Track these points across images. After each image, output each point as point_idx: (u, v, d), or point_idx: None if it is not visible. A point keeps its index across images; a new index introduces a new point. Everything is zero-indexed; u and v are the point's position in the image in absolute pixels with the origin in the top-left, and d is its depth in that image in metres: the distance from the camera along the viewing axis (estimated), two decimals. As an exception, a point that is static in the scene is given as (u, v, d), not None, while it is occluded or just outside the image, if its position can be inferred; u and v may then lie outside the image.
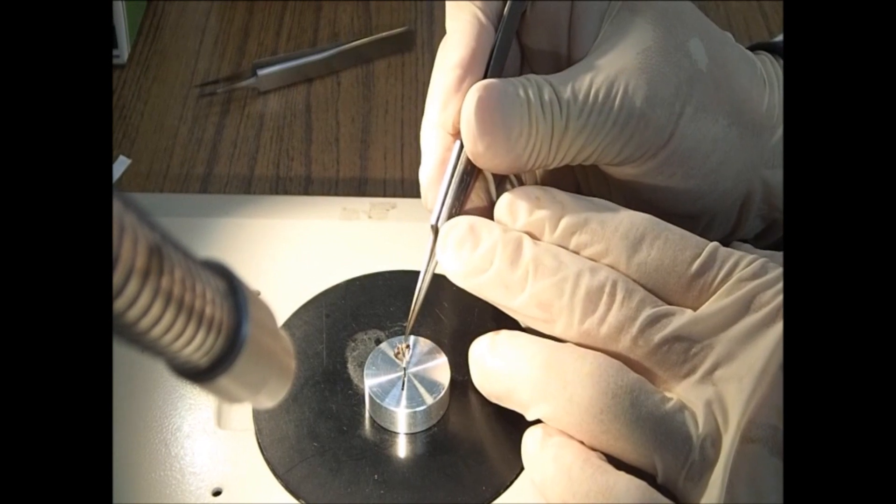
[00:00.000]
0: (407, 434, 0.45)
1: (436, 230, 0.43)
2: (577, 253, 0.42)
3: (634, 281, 0.41)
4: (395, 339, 0.47)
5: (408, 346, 0.46)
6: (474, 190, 0.45)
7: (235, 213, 0.55)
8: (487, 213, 0.44)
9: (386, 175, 0.65)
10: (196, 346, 0.27)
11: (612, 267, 0.41)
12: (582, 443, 0.40)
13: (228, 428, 0.45)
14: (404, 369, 0.46)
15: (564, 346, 0.41)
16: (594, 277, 0.40)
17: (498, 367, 0.42)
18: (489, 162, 0.42)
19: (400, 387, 0.45)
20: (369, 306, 0.50)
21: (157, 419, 0.45)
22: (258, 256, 0.52)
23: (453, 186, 0.44)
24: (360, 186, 0.64)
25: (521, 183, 0.50)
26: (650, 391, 0.39)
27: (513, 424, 0.44)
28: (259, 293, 0.50)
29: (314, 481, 0.43)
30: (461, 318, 0.50)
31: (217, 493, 0.43)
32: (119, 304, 0.24)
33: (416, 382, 0.45)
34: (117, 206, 0.23)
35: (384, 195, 0.64)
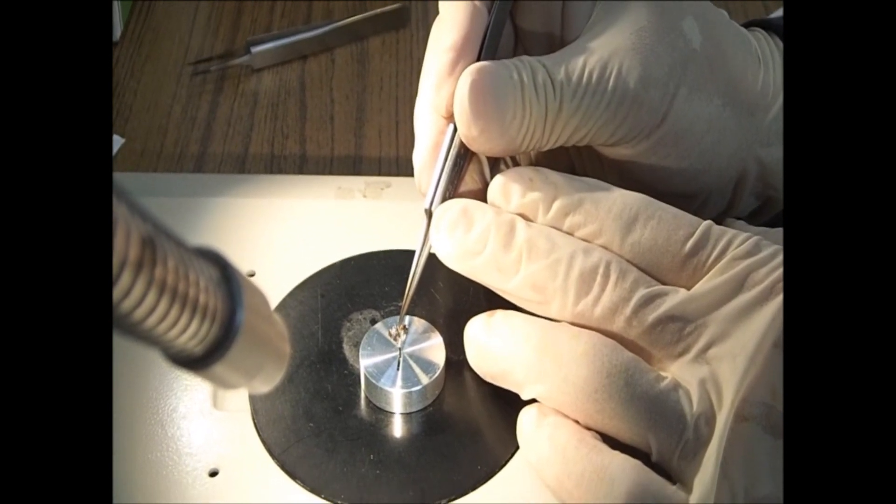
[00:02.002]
0: (402, 414, 0.45)
1: (429, 214, 0.43)
2: (570, 234, 0.42)
3: (628, 261, 0.41)
4: (391, 320, 0.47)
5: (403, 327, 0.46)
6: (468, 172, 0.45)
7: (230, 193, 0.55)
8: (481, 195, 0.44)
9: (381, 153, 0.65)
10: (191, 334, 0.27)
11: (605, 247, 0.41)
12: (577, 422, 0.40)
13: (224, 409, 0.45)
14: (399, 349, 0.46)
15: (559, 326, 0.41)
16: (588, 258, 0.40)
17: (493, 346, 0.42)
18: (483, 145, 0.42)
19: (395, 367, 0.45)
20: (364, 286, 0.50)
21: (153, 400, 0.45)
22: (253, 236, 0.52)
23: (447, 170, 0.44)
24: (355, 165, 0.64)
25: (516, 164, 0.50)
26: (644, 370, 0.39)
27: (508, 404, 0.44)
28: (254, 273, 0.50)
29: (310, 461, 0.43)
30: (456, 297, 0.50)
31: (213, 473, 0.43)
32: (113, 295, 0.24)
33: (411, 362, 0.45)
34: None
35: (379, 173, 0.63)
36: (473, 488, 0.43)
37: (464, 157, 0.44)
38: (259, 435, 0.44)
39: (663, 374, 0.40)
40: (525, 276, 0.41)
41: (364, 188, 0.55)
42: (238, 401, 0.45)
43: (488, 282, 0.42)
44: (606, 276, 0.40)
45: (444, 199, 0.43)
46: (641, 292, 0.40)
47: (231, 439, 0.44)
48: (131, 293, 0.24)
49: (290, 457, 0.43)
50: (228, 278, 0.29)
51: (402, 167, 0.64)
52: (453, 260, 0.43)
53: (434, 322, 0.47)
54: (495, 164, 0.47)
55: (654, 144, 0.44)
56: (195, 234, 0.52)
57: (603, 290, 0.40)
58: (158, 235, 0.25)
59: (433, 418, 0.45)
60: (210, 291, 0.28)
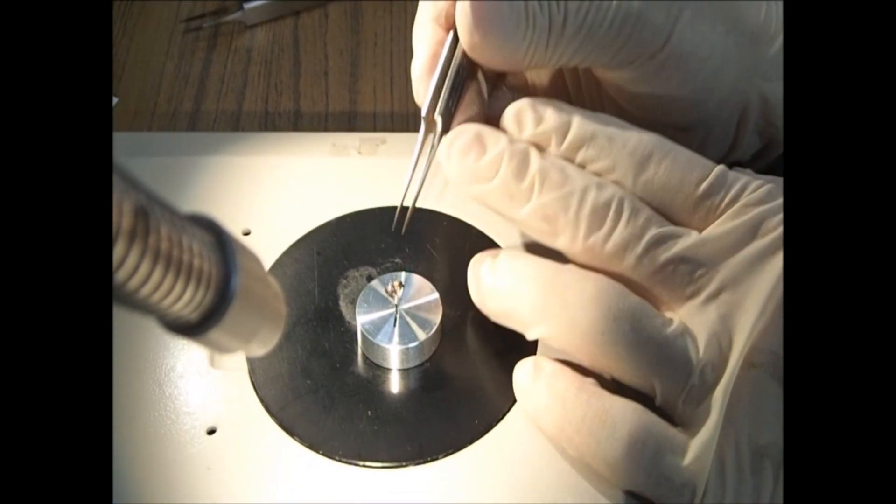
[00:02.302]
0: (399, 370, 0.45)
1: (427, 121, 0.42)
2: (583, 167, 0.41)
3: (640, 199, 0.41)
4: (387, 276, 0.47)
5: (400, 283, 0.46)
6: (467, 94, 0.44)
7: (224, 151, 0.54)
8: (480, 118, 0.44)
9: (376, 109, 0.64)
10: (186, 301, 0.27)
11: (617, 184, 0.41)
12: (581, 366, 0.40)
13: (222, 368, 0.45)
14: (396, 306, 0.46)
15: (566, 268, 0.41)
16: (601, 193, 0.40)
17: (498, 286, 0.42)
18: (484, 54, 0.42)
19: (392, 323, 0.45)
20: (360, 243, 0.50)
21: (150, 360, 0.45)
22: (248, 195, 0.52)
23: (448, 80, 0.42)
24: (349, 121, 0.64)
25: (516, 94, 0.49)
26: (652, 315, 0.39)
27: (505, 359, 0.44)
28: (249, 232, 0.50)
29: (308, 419, 0.43)
30: (453, 254, 0.50)
31: (211, 431, 0.43)
32: None
33: (408, 319, 0.45)
34: None
35: (374, 129, 0.63)
36: (471, 443, 0.43)
37: (465, 70, 0.43)
38: (257, 393, 0.44)
39: (671, 318, 0.40)
40: (536, 206, 0.40)
41: (359, 145, 0.55)
42: (235, 360, 0.45)
43: (498, 208, 0.42)
44: (619, 212, 0.39)
45: (444, 109, 0.42)
46: (654, 231, 0.39)
47: (229, 398, 0.44)
48: (125, 263, 0.24)
49: (287, 414, 0.43)
50: (222, 244, 0.29)
51: (398, 122, 0.63)
52: (463, 184, 0.42)
53: (431, 278, 0.47)
54: (494, 91, 0.46)
55: (657, 67, 0.43)
56: (190, 193, 0.52)
57: (615, 225, 0.39)
58: (151, 204, 0.25)
59: (430, 374, 0.45)
60: (204, 258, 0.27)
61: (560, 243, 0.41)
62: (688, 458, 0.37)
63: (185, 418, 0.43)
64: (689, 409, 0.38)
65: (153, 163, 0.53)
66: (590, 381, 0.40)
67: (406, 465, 0.42)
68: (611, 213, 0.40)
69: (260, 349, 0.34)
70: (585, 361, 0.40)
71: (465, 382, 0.45)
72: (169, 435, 0.43)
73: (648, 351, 0.39)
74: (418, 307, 0.45)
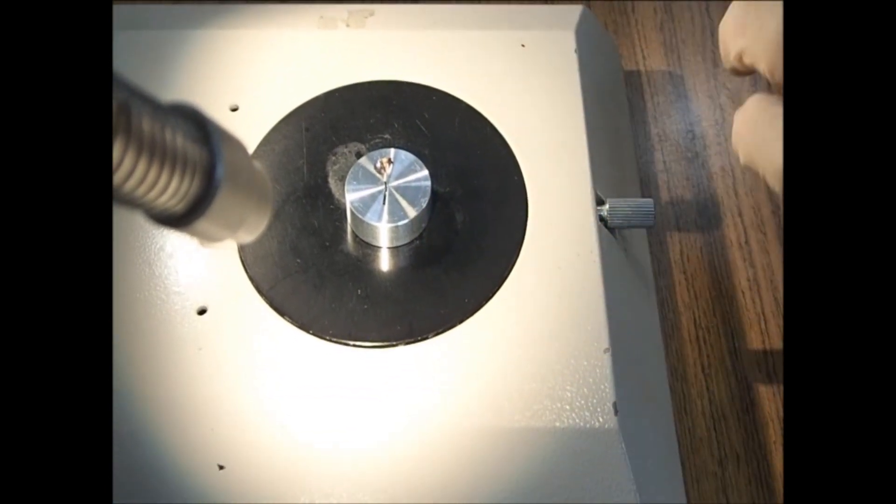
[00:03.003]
0: (389, 248, 0.45)
1: None
2: None
3: None
4: (376, 153, 0.46)
5: (389, 160, 0.45)
6: None
7: (210, 25, 0.53)
8: None
9: (364, -22, 0.62)
10: (171, 193, 0.27)
11: None
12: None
13: (211, 247, 0.45)
14: (385, 183, 0.45)
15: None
16: None
17: None
18: None
19: (381, 201, 0.45)
20: (349, 118, 0.49)
21: (139, 240, 0.45)
22: (235, 70, 0.51)
23: None
24: (337, -10, 0.62)
25: None
26: None
27: (495, 238, 0.44)
28: (237, 108, 0.50)
29: (298, 297, 0.43)
30: (442, 129, 0.49)
31: (202, 311, 0.43)
32: None
33: (397, 196, 0.45)
34: None
35: (362, 1, 0.61)
36: (461, 321, 0.43)
37: None
38: (246, 272, 0.44)
39: None
40: None
41: (347, 17, 0.53)
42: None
43: None
44: None
45: None
46: None
47: (219, 277, 0.44)
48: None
49: (277, 293, 0.44)
50: (206, 133, 0.28)
51: (387, -7, 0.61)
52: None
53: (420, 154, 0.46)
54: None
55: None
56: (176, 67, 0.51)
57: None
58: (133, 99, 0.24)
59: (420, 252, 0.45)
60: (188, 149, 0.27)
61: None
62: None
63: (174, 298, 0.43)
64: None
65: (140, 36, 0.52)
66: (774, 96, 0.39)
67: (396, 345, 0.42)
68: None
69: (248, 237, 0.33)
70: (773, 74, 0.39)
71: (456, 260, 0.45)
72: (159, 315, 0.43)
73: None
74: (408, 184, 0.45)
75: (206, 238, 0.31)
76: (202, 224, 0.29)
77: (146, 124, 0.25)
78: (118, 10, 0.56)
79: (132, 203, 0.26)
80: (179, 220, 0.28)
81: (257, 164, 0.32)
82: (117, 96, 0.24)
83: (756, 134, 0.39)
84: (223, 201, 0.29)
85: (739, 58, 0.41)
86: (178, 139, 0.27)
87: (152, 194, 0.26)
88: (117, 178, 0.24)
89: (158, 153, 0.26)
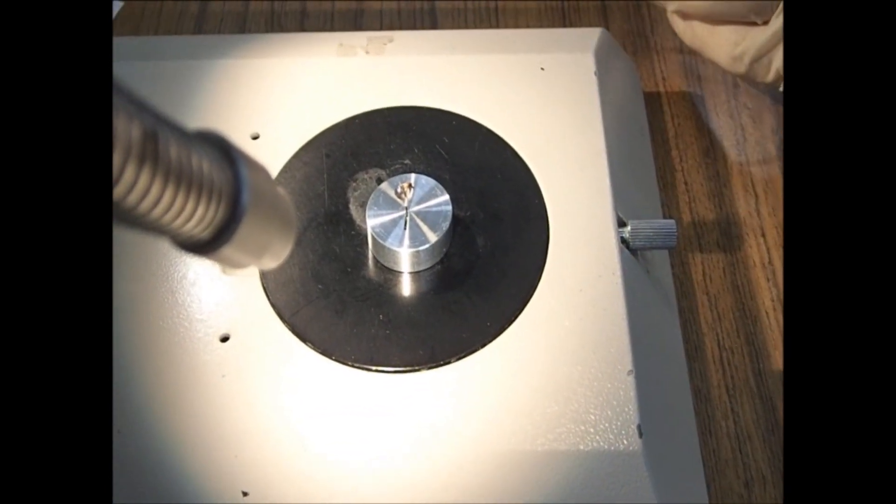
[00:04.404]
0: (410, 273, 0.45)
1: None
2: None
3: None
4: (397, 178, 0.46)
5: (409, 185, 0.46)
6: None
7: (231, 55, 0.53)
8: None
9: (383, 5, 0.63)
10: (197, 220, 0.27)
11: None
12: None
13: (234, 274, 0.45)
14: (406, 208, 0.45)
15: None
16: None
17: None
18: None
19: (402, 226, 0.45)
20: (370, 144, 0.50)
21: (162, 268, 0.45)
22: (256, 98, 0.51)
23: None
24: (356, 19, 0.62)
25: None
26: None
27: (516, 261, 0.44)
28: (258, 136, 0.50)
29: (320, 323, 0.44)
30: (462, 153, 0.49)
31: (225, 338, 0.43)
32: (118, 190, 0.23)
33: (418, 221, 0.45)
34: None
35: (381, 28, 0.62)
36: (483, 345, 0.43)
37: None
38: (269, 299, 0.44)
39: None
40: None
41: (366, 44, 0.54)
42: (246, 266, 0.45)
43: None
44: None
45: None
46: None
47: (241, 304, 0.44)
48: (136, 186, 0.24)
49: (299, 319, 0.44)
50: (231, 160, 0.29)
51: (405, 19, 0.62)
52: None
53: (440, 179, 0.46)
54: None
55: None
56: (198, 97, 0.51)
57: None
58: (160, 126, 0.25)
59: (441, 276, 0.45)
60: (214, 176, 0.27)
61: None
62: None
63: (198, 325, 0.44)
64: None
65: (162, 67, 0.52)
66: None
67: (419, 370, 0.42)
68: None
69: (272, 263, 0.34)
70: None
71: (477, 284, 0.45)
72: (182, 342, 0.43)
73: None
74: (428, 208, 0.45)
75: (230, 264, 0.31)
76: (228, 250, 0.29)
77: (173, 151, 0.25)
78: (141, 42, 0.57)
79: (159, 230, 0.26)
80: (205, 246, 0.29)
81: (281, 191, 0.33)
82: (145, 123, 0.24)
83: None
84: (248, 228, 0.29)
85: None
86: (205, 166, 0.27)
87: (179, 221, 0.26)
88: (145, 204, 0.25)
89: (185, 180, 0.26)
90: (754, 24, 0.53)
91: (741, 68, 0.54)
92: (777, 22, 0.51)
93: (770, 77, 0.53)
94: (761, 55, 0.53)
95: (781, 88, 0.54)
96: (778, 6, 0.51)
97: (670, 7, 0.57)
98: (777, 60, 0.52)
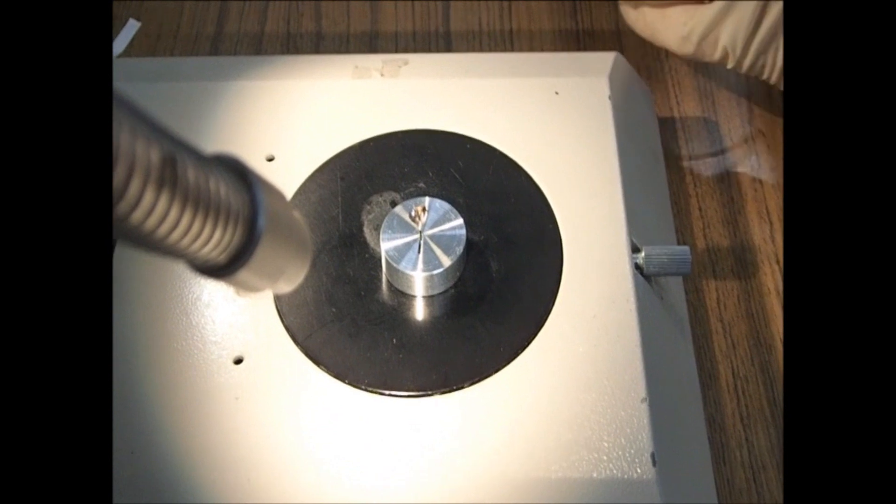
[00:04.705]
0: (424, 297, 0.45)
1: None
2: None
3: None
4: (411, 202, 0.46)
5: (423, 209, 0.46)
6: None
7: (246, 76, 0.54)
8: None
9: (398, 28, 0.63)
10: (214, 244, 0.27)
11: None
12: None
13: (247, 296, 0.45)
14: (420, 232, 0.45)
15: None
16: None
17: None
18: None
19: (416, 250, 0.45)
20: (384, 167, 0.50)
21: (176, 290, 0.45)
22: (271, 120, 0.52)
23: None
24: (371, 42, 0.63)
25: None
26: None
27: (530, 286, 0.44)
28: (273, 158, 0.50)
29: (333, 347, 0.43)
30: (476, 177, 0.49)
31: (238, 361, 0.43)
32: (136, 215, 0.23)
33: (432, 245, 0.45)
34: (127, 117, 0.23)
35: (396, 50, 0.62)
36: (496, 370, 0.43)
37: None
38: (282, 321, 0.44)
39: None
40: None
41: (381, 66, 0.54)
42: (260, 288, 0.45)
43: None
44: None
45: None
46: None
47: (255, 326, 0.44)
48: (154, 211, 0.24)
49: (313, 342, 0.44)
50: (248, 184, 0.29)
51: (420, 42, 0.62)
52: None
53: (454, 203, 0.46)
54: None
55: None
56: (213, 119, 0.52)
57: None
58: (178, 150, 0.25)
59: (455, 300, 0.45)
60: (231, 199, 0.27)
61: None
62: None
63: (211, 347, 0.44)
64: None
65: (177, 88, 0.52)
66: None
67: (431, 394, 0.42)
68: None
69: (287, 286, 0.34)
70: None
71: (491, 309, 0.45)
72: (196, 364, 0.43)
73: None
74: (442, 232, 0.45)
75: (246, 288, 0.31)
76: (244, 274, 0.29)
77: (191, 175, 0.25)
78: (157, 63, 0.57)
79: (176, 254, 0.27)
80: (221, 270, 0.29)
81: (297, 214, 0.33)
82: (163, 147, 0.24)
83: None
84: (264, 251, 0.29)
85: None
86: (222, 190, 0.27)
87: (196, 245, 0.27)
88: (163, 229, 0.25)
89: (203, 204, 0.26)
90: (701, 2, 0.53)
91: (690, 48, 0.54)
92: None
93: (717, 56, 0.53)
94: (708, 33, 0.53)
95: (729, 66, 0.54)
96: None
97: None
98: (723, 38, 0.52)
